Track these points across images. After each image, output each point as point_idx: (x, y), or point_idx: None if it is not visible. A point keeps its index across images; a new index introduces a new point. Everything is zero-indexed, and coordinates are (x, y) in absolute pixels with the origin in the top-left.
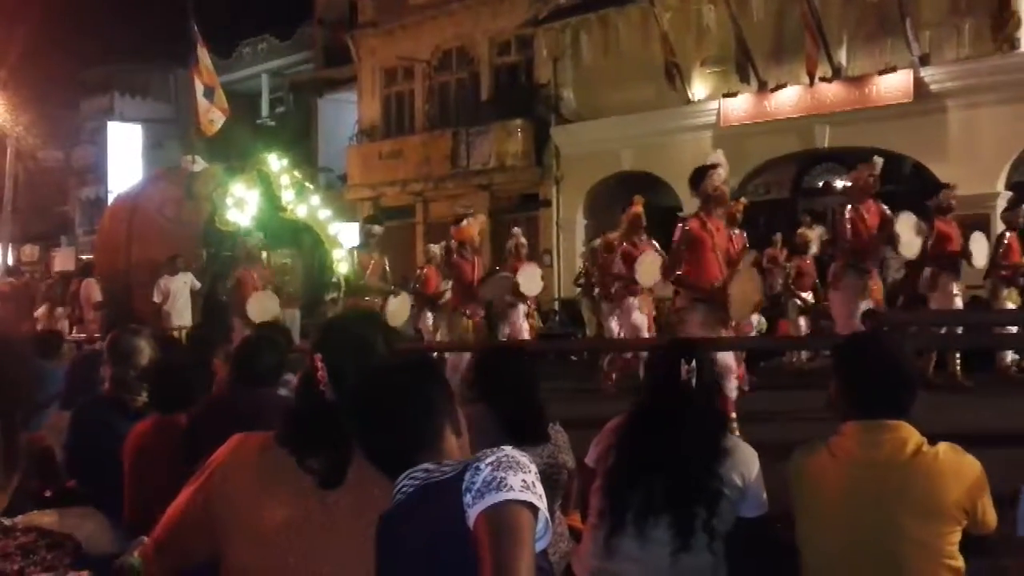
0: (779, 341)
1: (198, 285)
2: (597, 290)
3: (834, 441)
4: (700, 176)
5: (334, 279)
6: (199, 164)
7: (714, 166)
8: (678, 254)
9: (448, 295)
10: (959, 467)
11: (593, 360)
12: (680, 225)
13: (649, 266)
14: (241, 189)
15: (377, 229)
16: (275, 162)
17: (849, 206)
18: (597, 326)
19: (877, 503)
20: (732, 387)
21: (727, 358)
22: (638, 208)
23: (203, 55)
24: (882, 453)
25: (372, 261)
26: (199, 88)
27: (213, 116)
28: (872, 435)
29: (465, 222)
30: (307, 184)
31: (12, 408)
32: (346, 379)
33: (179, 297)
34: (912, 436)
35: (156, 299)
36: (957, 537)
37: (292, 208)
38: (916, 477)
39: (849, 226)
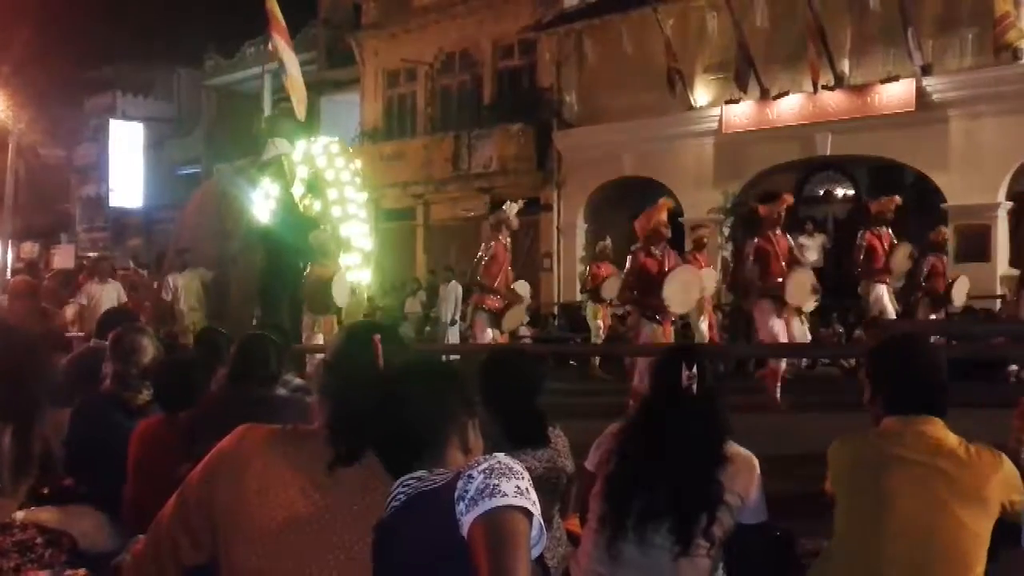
0: (790, 347)
1: (209, 276)
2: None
3: (875, 431)
4: None
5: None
6: (278, 148)
7: None
8: None
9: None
10: (1000, 463)
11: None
12: None
13: None
14: (268, 182)
15: (511, 209)
16: (299, 150)
17: None
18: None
19: (923, 486)
20: None
21: None
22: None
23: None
24: (924, 442)
25: (508, 253)
26: (290, 61)
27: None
28: (913, 427)
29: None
30: (326, 177)
31: (28, 412)
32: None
33: (190, 294)
34: (949, 433)
35: (165, 296)
36: (989, 530)
37: (306, 204)
38: (961, 466)
39: None
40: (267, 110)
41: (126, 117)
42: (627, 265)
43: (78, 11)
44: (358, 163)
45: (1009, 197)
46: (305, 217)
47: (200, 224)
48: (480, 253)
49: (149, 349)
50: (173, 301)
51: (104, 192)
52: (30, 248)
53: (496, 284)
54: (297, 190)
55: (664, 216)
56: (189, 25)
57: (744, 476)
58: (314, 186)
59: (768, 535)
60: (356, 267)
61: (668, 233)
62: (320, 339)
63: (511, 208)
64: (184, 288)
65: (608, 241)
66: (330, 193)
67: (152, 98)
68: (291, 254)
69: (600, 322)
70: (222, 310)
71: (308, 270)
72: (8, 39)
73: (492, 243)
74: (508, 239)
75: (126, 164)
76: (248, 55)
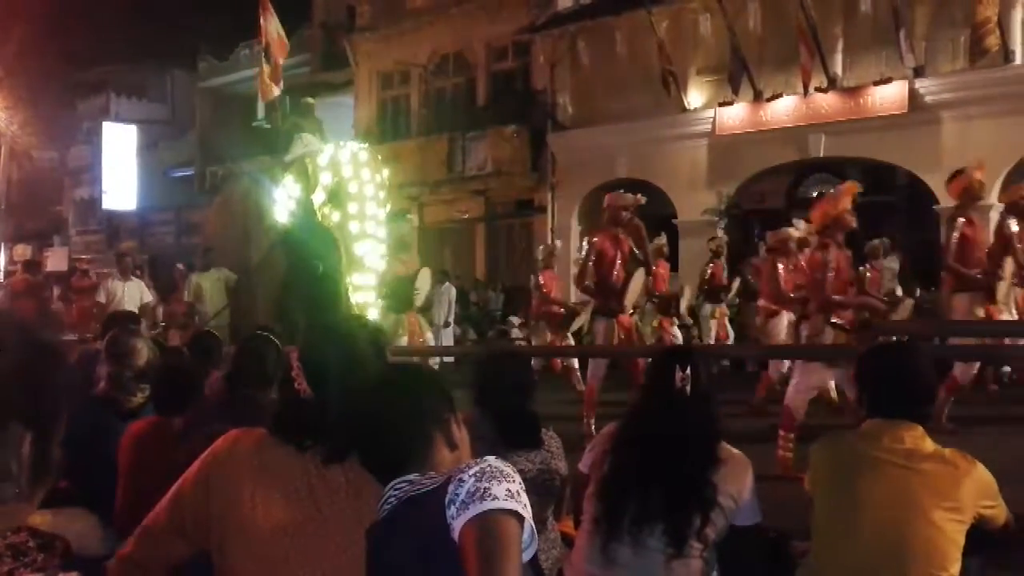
0: (786, 348)
1: (233, 278)
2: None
3: (853, 432)
4: None
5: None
6: (306, 145)
7: None
8: None
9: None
10: (974, 469)
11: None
12: None
13: None
14: (291, 181)
15: (625, 199)
16: (326, 155)
17: None
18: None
19: (896, 487)
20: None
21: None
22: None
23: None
24: (900, 445)
25: (624, 246)
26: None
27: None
28: (893, 430)
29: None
30: (349, 190)
31: (48, 417)
32: (329, 376)
33: (213, 294)
34: (927, 439)
35: (187, 297)
36: (963, 534)
37: (325, 214)
38: (934, 469)
39: None
40: (261, 111)
41: (119, 119)
42: (816, 261)
43: (70, 13)
44: (386, 173)
45: (1001, 199)
46: (322, 226)
47: (224, 228)
48: (585, 252)
49: (144, 352)
50: (195, 300)
51: (97, 194)
52: (23, 251)
53: (612, 281)
54: (318, 197)
55: (849, 202)
56: (182, 27)
57: (738, 478)
58: (336, 196)
59: (762, 536)
60: (365, 288)
61: (854, 223)
62: (404, 341)
63: (625, 197)
64: (209, 288)
65: (663, 238)
66: (351, 207)
67: (145, 100)
68: (311, 259)
69: (714, 324)
70: (248, 312)
71: (386, 266)
72: (0, 41)
73: (595, 238)
74: (622, 231)
75: (119, 166)
76: (242, 57)
